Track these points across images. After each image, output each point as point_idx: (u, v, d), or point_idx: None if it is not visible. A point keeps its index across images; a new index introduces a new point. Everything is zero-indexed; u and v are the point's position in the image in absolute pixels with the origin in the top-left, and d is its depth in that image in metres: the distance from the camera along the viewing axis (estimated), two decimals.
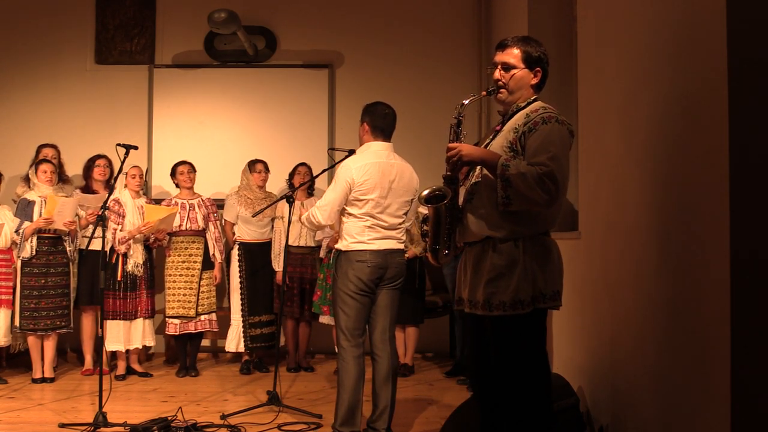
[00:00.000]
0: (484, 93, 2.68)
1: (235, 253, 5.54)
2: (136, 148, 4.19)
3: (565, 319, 3.83)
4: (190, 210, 5.46)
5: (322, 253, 5.57)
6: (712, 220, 2.05)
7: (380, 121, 3.58)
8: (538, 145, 2.42)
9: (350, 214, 3.53)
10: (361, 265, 3.47)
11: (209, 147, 6.37)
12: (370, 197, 3.49)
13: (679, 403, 2.36)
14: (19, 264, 5.09)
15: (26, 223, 5.04)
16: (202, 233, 5.47)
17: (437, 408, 4.36)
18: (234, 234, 5.56)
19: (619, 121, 3.00)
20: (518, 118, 2.54)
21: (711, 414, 2.08)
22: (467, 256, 2.63)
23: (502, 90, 2.60)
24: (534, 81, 2.59)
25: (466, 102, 2.61)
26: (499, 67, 2.60)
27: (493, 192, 2.46)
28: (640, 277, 2.73)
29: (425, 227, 2.68)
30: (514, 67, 2.58)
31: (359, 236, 3.50)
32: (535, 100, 2.60)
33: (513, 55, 2.57)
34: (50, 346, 5.15)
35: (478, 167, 2.57)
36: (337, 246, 3.61)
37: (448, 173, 2.58)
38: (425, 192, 2.61)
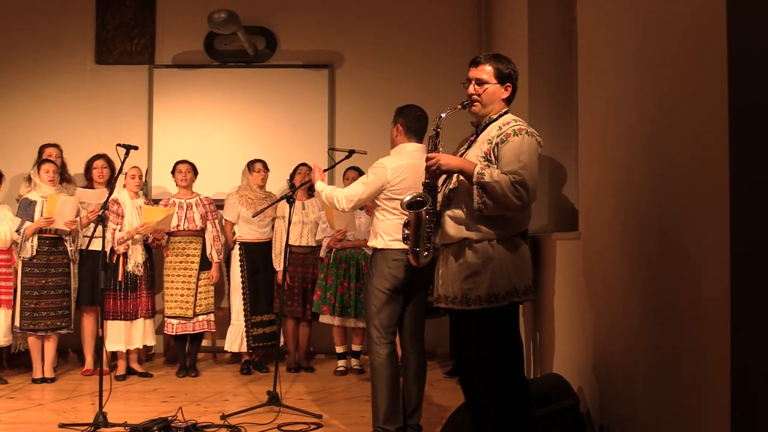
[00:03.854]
0: (459, 106, 2.87)
1: (236, 252, 5.53)
2: (136, 148, 4.20)
3: (565, 318, 3.83)
4: (187, 209, 5.47)
5: (322, 253, 5.58)
6: (712, 220, 2.05)
7: (414, 123, 3.67)
8: (510, 155, 2.68)
9: (387, 211, 3.56)
10: (398, 264, 3.48)
11: (209, 147, 6.36)
12: None
13: (679, 403, 2.36)
14: (19, 264, 5.10)
15: (27, 223, 5.04)
16: (200, 233, 5.47)
17: (437, 408, 4.36)
18: (234, 234, 5.56)
19: (620, 121, 3.00)
20: (491, 130, 2.79)
21: (711, 414, 2.08)
22: (444, 254, 2.85)
23: (476, 103, 2.85)
24: (505, 95, 2.86)
25: (444, 115, 2.85)
26: (473, 82, 2.85)
27: (469, 198, 2.69)
28: (639, 277, 2.73)
29: (406, 231, 2.87)
30: (487, 83, 2.83)
31: (397, 234, 3.44)
32: (506, 113, 2.86)
33: (486, 71, 2.84)
34: (50, 346, 5.15)
35: (455, 175, 2.80)
36: (372, 244, 3.63)
37: (427, 180, 2.81)
38: (407, 198, 2.83)
